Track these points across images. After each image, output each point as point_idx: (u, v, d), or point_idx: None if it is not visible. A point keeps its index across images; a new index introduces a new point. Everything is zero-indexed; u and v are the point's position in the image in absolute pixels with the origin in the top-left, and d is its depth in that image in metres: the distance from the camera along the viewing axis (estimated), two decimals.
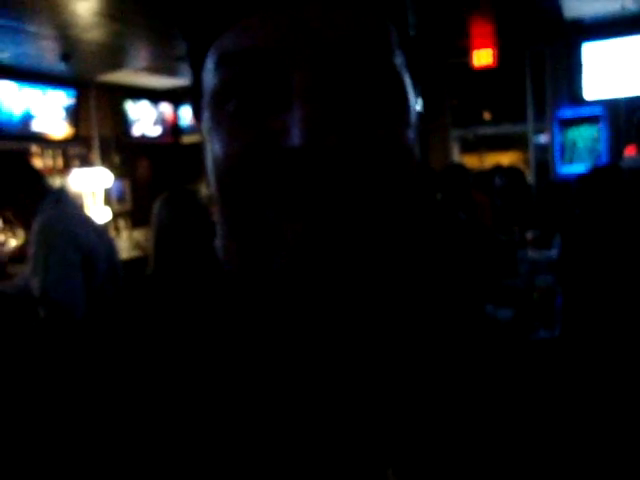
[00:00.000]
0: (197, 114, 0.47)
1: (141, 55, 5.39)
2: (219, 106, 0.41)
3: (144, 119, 6.98)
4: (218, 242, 0.47)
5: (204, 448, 0.41)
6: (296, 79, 0.38)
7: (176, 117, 7.37)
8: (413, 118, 0.43)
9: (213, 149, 0.42)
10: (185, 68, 6.20)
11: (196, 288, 0.49)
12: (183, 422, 0.42)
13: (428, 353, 0.48)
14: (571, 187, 3.23)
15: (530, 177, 5.83)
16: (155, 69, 5.92)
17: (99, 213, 5.81)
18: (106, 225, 5.46)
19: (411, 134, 0.42)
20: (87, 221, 2.24)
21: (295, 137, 0.37)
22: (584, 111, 5.55)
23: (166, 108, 7.29)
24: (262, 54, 0.38)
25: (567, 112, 5.65)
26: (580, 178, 2.96)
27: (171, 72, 6.12)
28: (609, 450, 0.49)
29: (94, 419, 0.42)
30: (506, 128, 6.53)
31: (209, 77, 0.42)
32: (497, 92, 6.37)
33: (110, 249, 2.28)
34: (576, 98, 5.54)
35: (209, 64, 0.41)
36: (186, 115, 7.32)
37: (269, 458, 0.41)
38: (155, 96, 7.02)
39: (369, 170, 0.40)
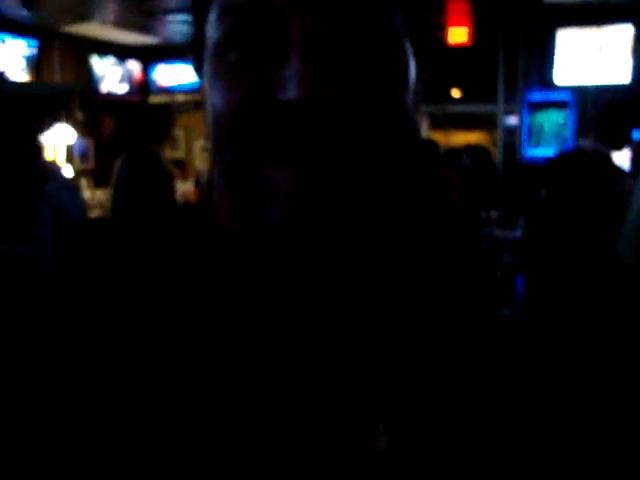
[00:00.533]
0: (198, 68, 0.47)
1: (110, 7, 5.19)
2: (220, 57, 0.41)
3: (110, 76, 6.76)
4: (214, 197, 0.48)
5: (198, 401, 0.42)
6: (295, 31, 0.38)
7: (144, 76, 7.17)
8: (410, 79, 0.43)
9: (213, 100, 0.42)
10: (155, 25, 6.02)
11: (187, 242, 0.49)
12: (179, 376, 0.42)
13: (412, 313, 0.49)
14: (537, 169, 3.30)
15: (497, 158, 5.91)
16: (124, 24, 5.72)
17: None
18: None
19: (407, 94, 0.42)
20: (57, 177, 2.18)
21: (292, 89, 0.37)
22: (553, 96, 5.63)
23: (134, 66, 7.08)
24: (263, 6, 0.39)
25: (537, 95, 5.72)
26: (549, 161, 3.03)
27: (141, 28, 5.93)
28: (562, 420, 0.51)
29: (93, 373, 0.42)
30: (476, 107, 6.57)
31: (211, 29, 0.42)
32: (469, 70, 6.39)
33: (81, 206, 2.24)
34: (546, 82, 5.61)
35: (212, 16, 0.42)
36: (155, 74, 7.13)
37: (262, 412, 0.42)
38: (123, 52, 6.80)
39: (362, 124, 0.40)
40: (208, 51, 0.43)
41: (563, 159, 2.90)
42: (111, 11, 5.27)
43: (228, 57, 0.40)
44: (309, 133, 0.38)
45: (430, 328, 0.48)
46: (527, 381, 0.51)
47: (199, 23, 0.45)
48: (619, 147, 2.84)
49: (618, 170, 2.77)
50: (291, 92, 0.37)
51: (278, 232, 0.40)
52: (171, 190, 2.17)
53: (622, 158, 4.46)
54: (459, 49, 5.68)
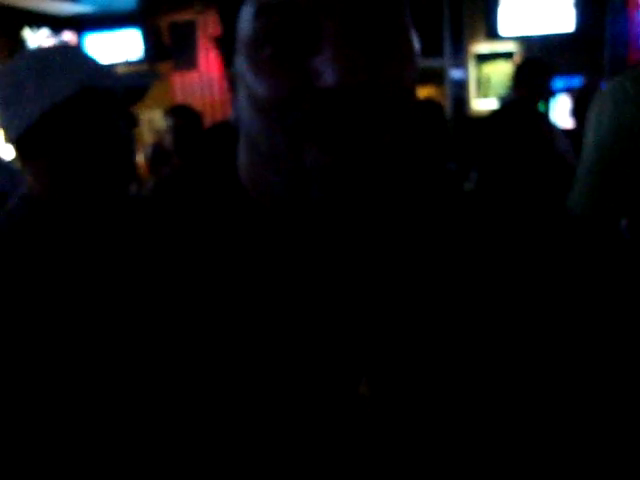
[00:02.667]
0: (227, 59, 0.53)
1: None
2: (257, 50, 0.47)
3: None
4: (243, 171, 0.55)
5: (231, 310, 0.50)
6: (327, 27, 0.45)
7: (80, 47, 6.88)
8: (416, 60, 0.51)
9: (252, 89, 0.48)
10: None
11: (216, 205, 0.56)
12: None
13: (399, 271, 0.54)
14: (481, 122, 3.36)
15: (447, 112, 5.94)
16: None
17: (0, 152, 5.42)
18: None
19: (415, 74, 0.50)
20: None
21: (330, 77, 0.43)
22: (499, 47, 5.66)
23: (70, 37, 6.77)
24: (298, 6, 0.45)
25: (483, 47, 5.74)
26: (492, 113, 3.09)
27: None
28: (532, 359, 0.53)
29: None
30: (423, 62, 6.55)
31: (245, 25, 0.48)
32: (414, 26, 6.34)
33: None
34: (492, 34, 5.63)
35: (246, 14, 0.48)
36: (90, 44, 6.84)
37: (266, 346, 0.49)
38: (57, 24, 6.49)
39: (388, 101, 0.47)
40: (242, 44, 0.49)
41: (505, 110, 2.99)
42: None
43: (264, 50, 0.47)
44: (347, 114, 0.45)
45: (410, 285, 0.54)
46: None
47: (229, 20, 0.51)
48: (539, 98, 3.01)
49: (545, 119, 2.90)
50: (329, 80, 0.43)
51: (316, 207, 0.48)
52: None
53: (562, 107, 4.54)
54: None
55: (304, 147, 0.46)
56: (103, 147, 1.08)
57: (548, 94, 3.08)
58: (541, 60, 3.19)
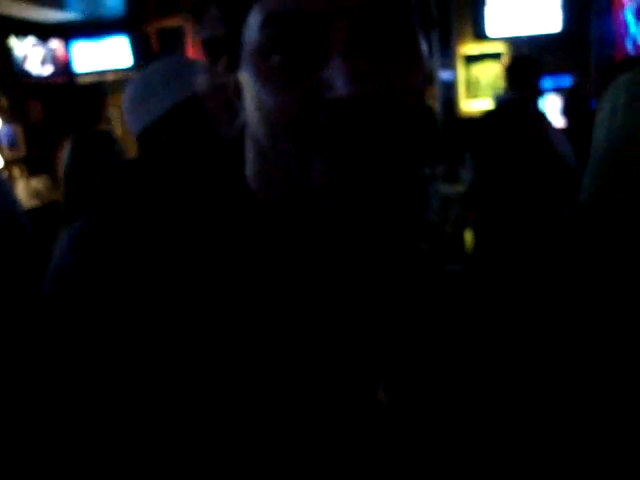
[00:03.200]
0: (232, 64, 0.52)
1: None
2: (264, 59, 0.47)
3: (32, 57, 6.42)
4: (252, 178, 0.55)
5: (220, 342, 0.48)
6: (336, 36, 0.44)
7: (68, 55, 6.84)
8: (424, 64, 0.50)
9: (259, 97, 0.47)
10: (75, 0, 5.72)
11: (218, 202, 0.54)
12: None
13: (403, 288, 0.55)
14: (475, 122, 3.35)
15: (436, 113, 5.95)
16: (41, 0, 5.41)
17: None
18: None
19: (425, 80, 0.50)
20: None
21: (341, 89, 0.43)
22: (487, 48, 5.68)
23: (57, 45, 6.74)
24: (306, 16, 0.44)
25: (471, 49, 5.76)
26: (485, 113, 3.08)
27: (59, 4, 5.62)
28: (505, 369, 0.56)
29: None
30: None
31: (252, 33, 0.47)
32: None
33: (7, 199, 2.11)
34: (480, 35, 5.65)
35: (253, 21, 0.47)
36: (78, 52, 6.81)
37: (272, 371, 0.47)
38: (44, 31, 6.46)
39: (398, 113, 0.46)
40: (248, 51, 0.48)
41: (498, 110, 2.97)
42: None
43: (271, 59, 0.46)
44: (359, 127, 0.44)
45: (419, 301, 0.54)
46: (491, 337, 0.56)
47: (234, 26, 0.49)
48: (531, 96, 2.97)
49: (541, 117, 2.87)
50: (341, 91, 0.43)
51: (325, 215, 0.48)
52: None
53: (553, 106, 4.57)
54: None
55: (313, 160, 0.46)
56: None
57: (540, 93, 3.05)
58: (534, 58, 3.15)
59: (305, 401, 0.47)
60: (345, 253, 0.51)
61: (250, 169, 0.55)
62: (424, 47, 0.50)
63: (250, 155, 0.54)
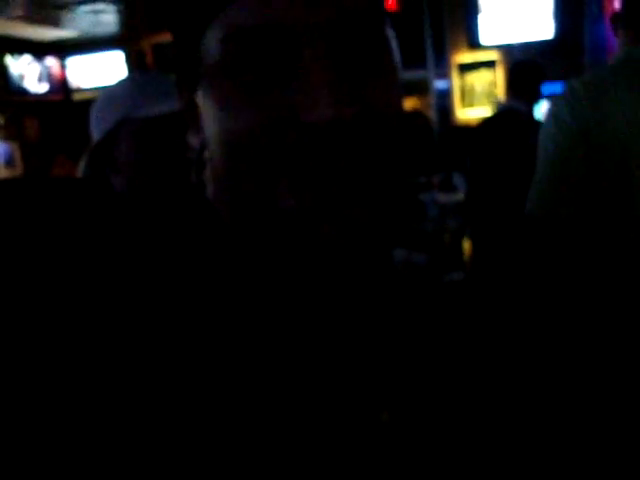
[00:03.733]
0: (187, 82, 0.48)
1: (16, 2, 4.92)
2: (226, 77, 0.43)
3: (29, 75, 6.45)
4: (212, 197, 0.50)
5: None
6: (309, 55, 0.41)
7: (64, 72, 6.87)
8: (399, 78, 0.48)
9: (220, 118, 0.43)
10: (70, 18, 5.75)
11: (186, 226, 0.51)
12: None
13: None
14: (471, 130, 3.35)
15: (432, 122, 5.97)
16: (36, 19, 5.44)
17: None
18: None
19: (400, 91, 0.47)
20: None
21: (318, 111, 0.40)
22: (482, 56, 5.71)
23: (53, 62, 6.77)
24: (276, 29, 0.40)
25: (465, 57, 5.79)
26: (483, 121, 3.07)
27: (54, 22, 5.65)
28: (509, 379, 0.55)
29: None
30: (406, 74, 6.59)
31: (214, 48, 0.43)
32: (396, 39, 6.40)
33: None
34: (474, 43, 5.68)
35: (214, 36, 0.43)
36: (73, 68, 6.83)
37: (270, 395, 0.45)
38: (39, 49, 6.49)
39: (374, 132, 0.43)
40: (210, 68, 0.44)
41: (495, 118, 2.96)
42: (18, 6, 5.00)
43: (238, 77, 0.42)
44: (333, 151, 0.41)
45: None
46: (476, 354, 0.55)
47: (190, 41, 0.45)
48: (533, 102, 2.91)
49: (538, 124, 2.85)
50: (318, 114, 0.40)
51: (287, 244, 0.44)
52: None
53: (543, 113, 4.57)
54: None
55: (278, 182, 0.42)
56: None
57: (540, 98, 2.95)
58: (537, 62, 3.04)
59: (307, 422, 0.46)
60: (321, 273, 0.47)
61: (210, 191, 0.51)
62: (398, 58, 0.48)
63: (211, 185, 0.50)
